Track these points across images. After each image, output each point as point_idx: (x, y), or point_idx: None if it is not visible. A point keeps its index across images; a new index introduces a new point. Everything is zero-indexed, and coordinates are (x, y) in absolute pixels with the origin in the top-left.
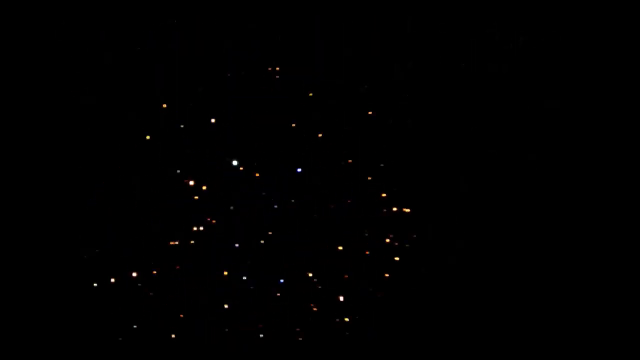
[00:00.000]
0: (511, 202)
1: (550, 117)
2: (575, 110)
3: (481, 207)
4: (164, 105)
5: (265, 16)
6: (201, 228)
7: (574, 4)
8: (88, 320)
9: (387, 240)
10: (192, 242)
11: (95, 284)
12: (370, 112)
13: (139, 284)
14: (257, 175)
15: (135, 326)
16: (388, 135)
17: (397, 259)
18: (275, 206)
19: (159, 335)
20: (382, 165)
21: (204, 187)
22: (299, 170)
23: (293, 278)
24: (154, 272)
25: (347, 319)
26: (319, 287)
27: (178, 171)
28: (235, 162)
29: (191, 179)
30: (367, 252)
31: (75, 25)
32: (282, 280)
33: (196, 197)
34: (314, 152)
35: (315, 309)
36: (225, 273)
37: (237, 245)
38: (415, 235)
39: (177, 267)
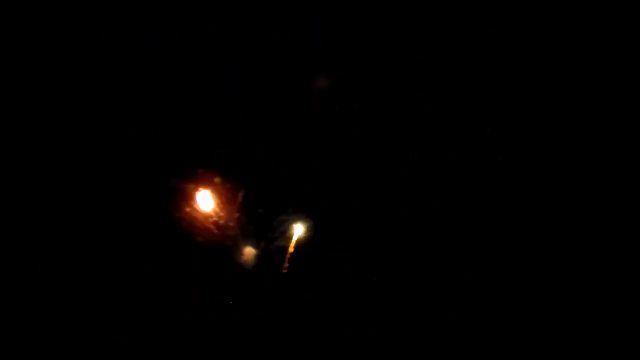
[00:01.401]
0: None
1: (550, 117)
2: (575, 110)
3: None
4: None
5: (265, 16)
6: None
7: (574, 4)
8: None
9: None
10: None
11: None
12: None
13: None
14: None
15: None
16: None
17: None
18: None
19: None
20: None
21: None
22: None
23: None
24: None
25: None
26: None
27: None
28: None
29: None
30: None
31: (75, 25)
32: None
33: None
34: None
35: None
36: None
37: None
38: None
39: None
